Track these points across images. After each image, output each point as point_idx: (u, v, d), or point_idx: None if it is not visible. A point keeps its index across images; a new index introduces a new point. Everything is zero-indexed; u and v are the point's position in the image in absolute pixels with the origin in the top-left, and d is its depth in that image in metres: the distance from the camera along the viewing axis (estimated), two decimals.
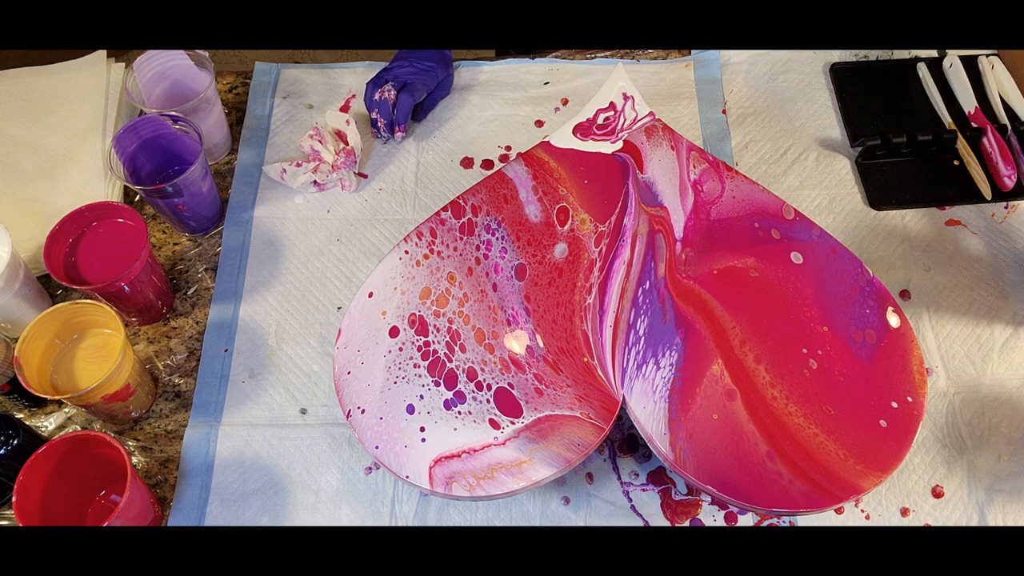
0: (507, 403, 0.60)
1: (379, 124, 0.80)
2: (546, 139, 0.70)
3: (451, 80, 0.86)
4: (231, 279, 0.75)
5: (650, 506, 0.65)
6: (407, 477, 0.58)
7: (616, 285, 0.64)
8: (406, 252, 0.66)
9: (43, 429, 0.68)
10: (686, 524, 0.64)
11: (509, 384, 0.61)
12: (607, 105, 0.71)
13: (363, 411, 0.60)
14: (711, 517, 0.65)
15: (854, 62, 0.88)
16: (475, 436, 0.59)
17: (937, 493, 0.66)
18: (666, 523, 0.64)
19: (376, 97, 0.80)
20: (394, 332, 0.63)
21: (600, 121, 0.70)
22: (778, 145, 0.83)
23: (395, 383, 0.61)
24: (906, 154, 0.80)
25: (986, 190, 0.78)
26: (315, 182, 0.79)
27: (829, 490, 0.56)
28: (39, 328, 0.61)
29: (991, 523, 0.64)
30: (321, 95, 0.86)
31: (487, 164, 0.82)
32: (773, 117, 0.84)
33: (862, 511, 0.65)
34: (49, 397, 0.59)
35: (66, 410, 0.69)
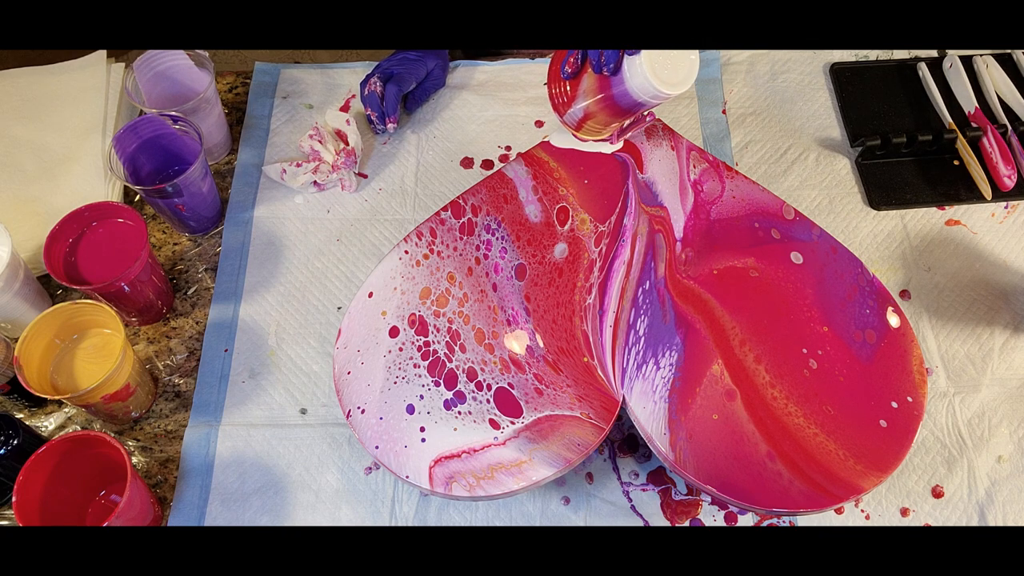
0: (507, 403, 0.60)
1: (372, 118, 0.81)
2: (546, 139, 0.70)
3: (444, 70, 0.86)
4: (231, 279, 0.75)
5: (650, 506, 0.65)
6: (407, 477, 0.58)
7: (616, 285, 0.64)
8: (406, 252, 0.66)
9: (43, 429, 0.68)
10: (686, 524, 0.64)
11: (509, 384, 0.61)
12: None
13: (363, 411, 0.60)
14: (711, 517, 0.65)
15: (854, 62, 0.88)
16: (475, 436, 0.59)
17: (937, 493, 0.66)
18: (666, 523, 0.64)
19: (365, 92, 0.80)
20: (394, 332, 0.63)
21: None
22: (778, 145, 0.83)
23: (395, 383, 0.61)
24: (906, 154, 0.80)
25: (986, 190, 0.78)
26: (315, 182, 0.79)
27: (829, 490, 0.56)
28: (39, 328, 0.61)
29: (991, 523, 0.64)
30: (321, 95, 0.86)
31: (487, 164, 0.82)
32: (773, 117, 0.84)
33: (862, 511, 0.65)
34: (49, 397, 0.59)
35: (66, 410, 0.69)
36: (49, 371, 0.63)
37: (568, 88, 0.65)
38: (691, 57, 0.59)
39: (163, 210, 0.73)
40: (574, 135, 0.68)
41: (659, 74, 0.57)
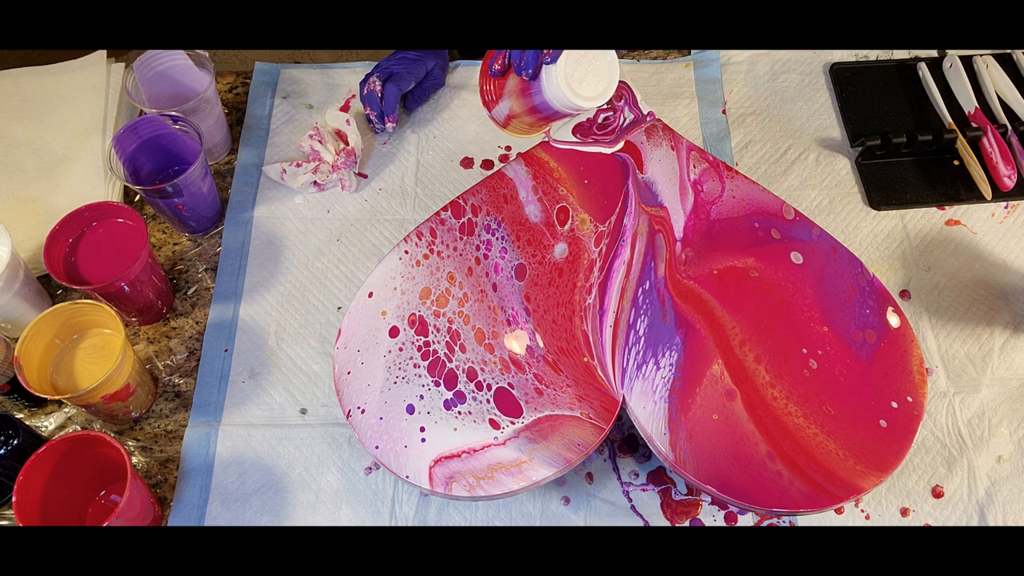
0: (507, 403, 0.60)
1: (371, 117, 0.81)
2: (546, 139, 0.70)
3: (444, 70, 0.86)
4: (231, 279, 0.75)
5: (650, 506, 0.65)
6: (407, 477, 0.58)
7: (616, 285, 0.64)
8: (406, 252, 0.66)
9: (43, 429, 0.68)
10: (686, 524, 0.64)
11: (509, 384, 0.61)
12: (607, 105, 0.71)
13: (363, 411, 0.60)
14: (711, 517, 0.65)
15: (854, 62, 0.88)
16: (475, 436, 0.59)
17: (937, 493, 0.66)
18: (666, 523, 0.64)
19: (364, 91, 0.80)
20: (394, 332, 0.63)
21: (600, 121, 0.70)
22: (778, 145, 0.83)
23: (395, 383, 0.61)
24: (906, 154, 0.80)
25: (986, 190, 0.78)
26: (315, 182, 0.79)
27: (829, 490, 0.56)
28: (39, 328, 0.61)
29: (991, 523, 0.64)
30: (321, 95, 0.86)
31: (487, 164, 0.82)
32: (773, 117, 0.84)
33: (862, 511, 0.65)
34: (49, 397, 0.59)
35: (66, 410, 0.69)
36: (49, 371, 0.63)
37: (495, 86, 0.65)
38: (609, 73, 0.60)
39: (163, 210, 0.73)
40: (501, 129, 0.69)
41: (573, 86, 0.58)
